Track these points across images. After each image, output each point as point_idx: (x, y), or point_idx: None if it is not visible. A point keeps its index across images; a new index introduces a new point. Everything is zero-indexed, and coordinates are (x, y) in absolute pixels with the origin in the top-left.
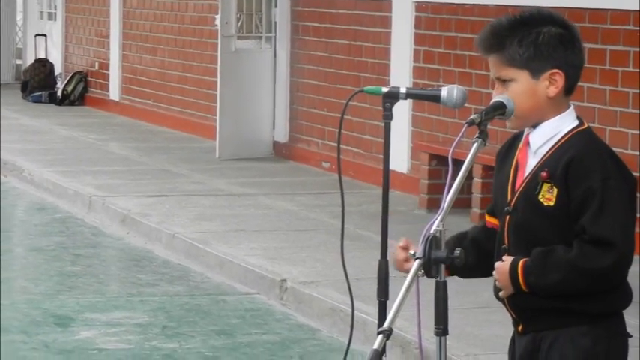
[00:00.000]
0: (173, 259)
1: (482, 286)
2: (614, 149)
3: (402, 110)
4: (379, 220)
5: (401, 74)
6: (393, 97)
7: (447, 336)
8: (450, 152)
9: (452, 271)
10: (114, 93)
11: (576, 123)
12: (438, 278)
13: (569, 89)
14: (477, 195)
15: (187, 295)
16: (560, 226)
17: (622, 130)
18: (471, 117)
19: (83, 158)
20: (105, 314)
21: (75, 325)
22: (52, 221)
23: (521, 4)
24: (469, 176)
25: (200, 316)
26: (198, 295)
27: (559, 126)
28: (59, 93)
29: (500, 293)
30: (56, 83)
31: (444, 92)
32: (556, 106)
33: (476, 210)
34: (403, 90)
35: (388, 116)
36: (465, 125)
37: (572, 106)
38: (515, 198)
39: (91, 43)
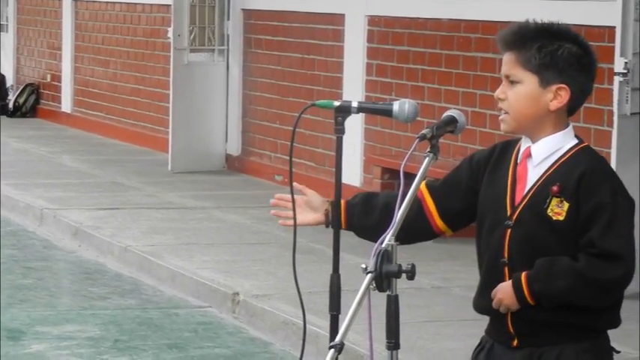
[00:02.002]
0: (125, 273)
1: (434, 300)
2: None
3: (355, 123)
4: (331, 234)
5: (353, 87)
6: (344, 111)
7: (399, 350)
8: (402, 166)
9: (348, 226)
10: (66, 105)
11: (577, 141)
12: (390, 292)
13: (571, 110)
14: None
15: (139, 309)
16: (566, 239)
17: None
18: (423, 131)
19: (35, 171)
20: (56, 328)
21: (26, 338)
22: (3, 234)
23: (475, 18)
24: None
25: (152, 329)
26: (150, 308)
27: (562, 142)
28: (10, 105)
29: (501, 309)
30: (7, 95)
31: (396, 107)
32: (555, 122)
33: None
34: (355, 104)
35: (340, 130)
36: (417, 139)
37: (571, 125)
38: (518, 212)
39: (43, 55)
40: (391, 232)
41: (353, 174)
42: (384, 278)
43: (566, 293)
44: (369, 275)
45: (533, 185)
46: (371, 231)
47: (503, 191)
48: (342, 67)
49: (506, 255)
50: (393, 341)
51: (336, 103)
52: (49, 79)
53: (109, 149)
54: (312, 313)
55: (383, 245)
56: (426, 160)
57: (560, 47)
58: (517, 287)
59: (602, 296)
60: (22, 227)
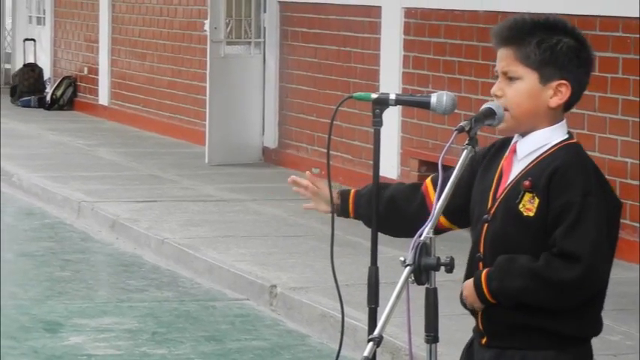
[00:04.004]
0: (162, 265)
1: None
2: (603, 156)
3: (392, 116)
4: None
5: (390, 80)
6: (382, 103)
7: (438, 343)
8: (440, 159)
9: (356, 215)
10: (103, 98)
11: (566, 136)
12: (429, 285)
13: (568, 106)
14: None
15: (177, 301)
16: (538, 237)
17: (611, 136)
18: (461, 124)
19: (72, 163)
20: (94, 320)
21: (64, 330)
22: (41, 226)
23: (512, 10)
24: None
25: (189, 322)
26: (188, 300)
27: (549, 137)
28: (48, 98)
29: (468, 306)
30: (45, 88)
31: (434, 99)
32: (551, 118)
33: None
34: (392, 96)
35: (378, 122)
36: (455, 132)
37: (564, 120)
38: (495, 206)
39: (80, 47)
40: (430, 224)
41: (390, 166)
42: (422, 271)
43: (521, 293)
44: (408, 268)
45: (512, 180)
46: (376, 222)
47: (489, 185)
48: (378, 60)
49: (481, 250)
50: (432, 334)
51: (374, 96)
52: (86, 72)
53: (146, 142)
54: (350, 305)
55: (421, 238)
56: (464, 152)
57: (559, 42)
58: (477, 285)
59: (558, 298)
60: (59, 220)
